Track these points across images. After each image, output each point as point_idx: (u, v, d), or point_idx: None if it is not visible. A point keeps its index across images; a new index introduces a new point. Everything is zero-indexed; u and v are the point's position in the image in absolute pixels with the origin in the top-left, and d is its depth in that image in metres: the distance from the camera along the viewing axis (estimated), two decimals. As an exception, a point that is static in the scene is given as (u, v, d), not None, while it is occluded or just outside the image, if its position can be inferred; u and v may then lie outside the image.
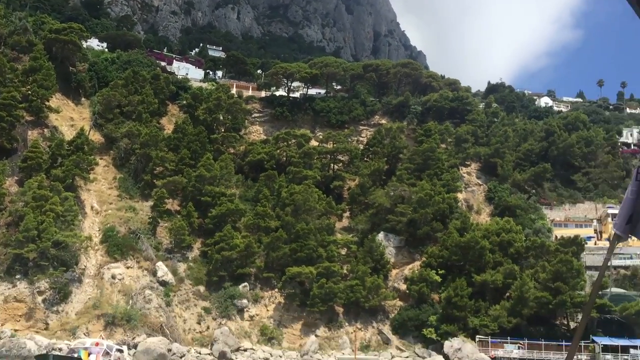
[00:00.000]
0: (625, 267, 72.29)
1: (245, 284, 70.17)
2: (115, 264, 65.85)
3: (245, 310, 68.87)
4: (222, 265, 68.85)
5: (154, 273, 67.00)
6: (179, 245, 71.48)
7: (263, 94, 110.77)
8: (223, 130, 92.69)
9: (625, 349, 62.22)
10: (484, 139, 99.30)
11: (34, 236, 59.08)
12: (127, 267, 66.32)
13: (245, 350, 63.80)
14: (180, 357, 58.80)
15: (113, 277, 64.51)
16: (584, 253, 71.31)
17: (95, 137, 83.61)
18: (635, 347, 62.43)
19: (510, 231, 73.14)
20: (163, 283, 66.63)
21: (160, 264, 67.98)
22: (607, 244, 77.40)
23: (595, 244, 77.62)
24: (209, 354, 61.73)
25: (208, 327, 66.17)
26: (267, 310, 70.09)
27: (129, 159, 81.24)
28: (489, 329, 64.91)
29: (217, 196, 75.23)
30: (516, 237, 72.57)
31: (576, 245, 69.62)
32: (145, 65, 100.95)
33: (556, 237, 77.89)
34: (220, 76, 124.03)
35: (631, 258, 72.40)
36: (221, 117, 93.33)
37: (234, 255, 68.84)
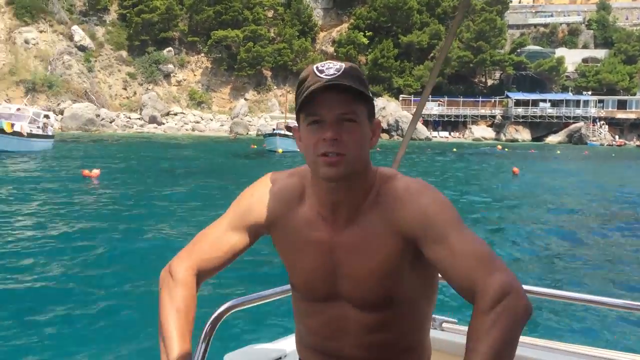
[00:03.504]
0: (545, 25, 74.35)
1: (170, 48, 68.11)
2: (26, 28, 61.40)
3: (172, 75, 67.87)
4: (143, 28, 65.74)
5: (70, 37, 63.41)
6: (94, 8, 66.90)
7: None
8: None
9: (535, 103, 66.96)
10: None
11: None
12: (40, 31, 62.10)
13: (175, 114, 64.34)
14: (110, 122, 58.81)
15: (26, 41, 60.65)
16: (508, 12, 72.24)
17: None
18: (544, 101, 67.21)
19: (438, -9, 72.20)
20: (82, 48, 63.53)
21: (75, 27, 64.01)
22: (531, 0, 78.19)
23: (519, 1, 78.10)
24: (138, 119, 61.98)
25: (135, 93, 65.41)
26: (195, 75, 69.38)
27: None
28: (412, 89, 67.60)
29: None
30: (444, -3, 71.97)
31: (501, 4, 70.12)
32: None
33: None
34: None
35: (551, 16, 74.05)
36: None
37: (155, 18, 65.46)
